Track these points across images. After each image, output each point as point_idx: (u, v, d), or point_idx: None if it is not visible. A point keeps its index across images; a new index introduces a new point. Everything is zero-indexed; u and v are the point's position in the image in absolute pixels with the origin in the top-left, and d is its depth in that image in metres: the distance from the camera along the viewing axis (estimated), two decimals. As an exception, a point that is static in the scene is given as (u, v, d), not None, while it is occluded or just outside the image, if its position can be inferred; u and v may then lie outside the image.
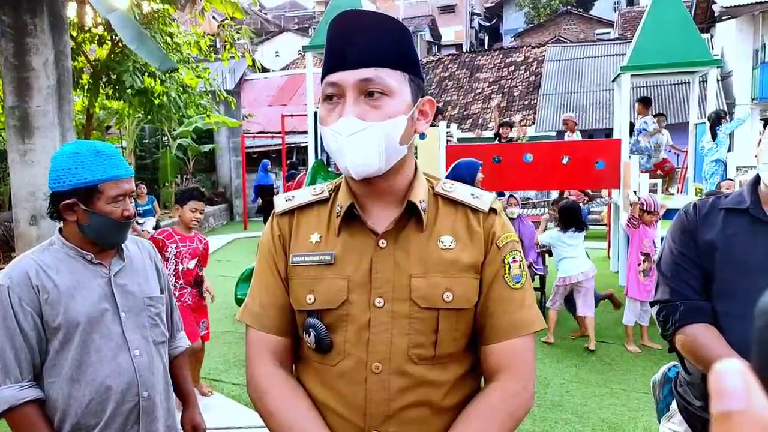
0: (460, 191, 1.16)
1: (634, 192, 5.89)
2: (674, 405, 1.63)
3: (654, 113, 8.75)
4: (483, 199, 1.15)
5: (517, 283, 1.12)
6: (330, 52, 1.06)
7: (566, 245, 5.00)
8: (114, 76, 8.56)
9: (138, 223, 9.03)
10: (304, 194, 1.21)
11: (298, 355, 1.19)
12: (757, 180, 1.49)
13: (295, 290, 1.14)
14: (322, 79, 1.08)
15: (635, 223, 4.93)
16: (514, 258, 1.13)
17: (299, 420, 1.07)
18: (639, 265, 4.85)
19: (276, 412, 1.09)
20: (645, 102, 8.61)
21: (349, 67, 1.03)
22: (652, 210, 4.87)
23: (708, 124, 6.86)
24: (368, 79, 1.02)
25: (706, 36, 14.81)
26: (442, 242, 1.10)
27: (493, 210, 1.15)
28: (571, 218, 5.01)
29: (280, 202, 1.21)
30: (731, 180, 6.07)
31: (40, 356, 1.56)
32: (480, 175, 4.02)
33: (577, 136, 9.61)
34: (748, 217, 1.45)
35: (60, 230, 1.68)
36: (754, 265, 1.40)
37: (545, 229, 5.79)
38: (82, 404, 1.56)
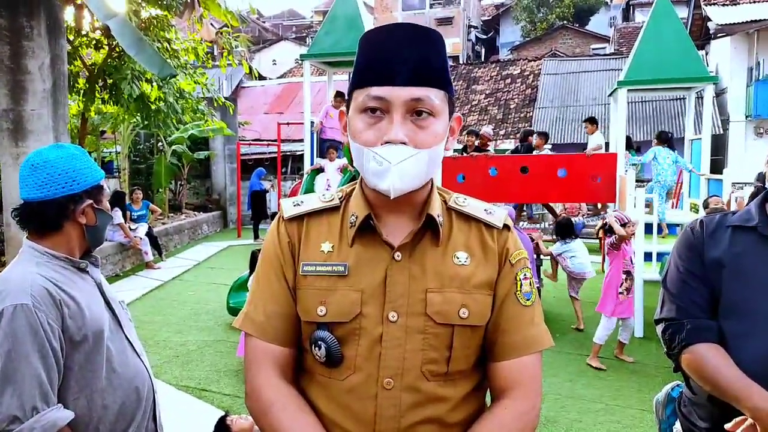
0: (473, 206, 1.16)
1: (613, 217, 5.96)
2: (678, 426, 1.59)
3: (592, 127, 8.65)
4: (496, 214, 1.15)
5: (528, 300, 1.13)
6: (375, 62, 1.02)
7: (573, 250, 5.92)
8: (110, 81, 8.51)
9: (131, 229, 8.95)
10: (313, 200, 1.17)
11: (301, 367, 1.15)
12: (765, 198, 1.47)
13: (304, 300, 1.10)
14: (357, 87, 1.04)
15: (617, 245, 4.95)
16: (525, 275, 1.13)
17: None
18: (621, 284, 4.84)
19: (282, 427, 1.04)
20: (594, 122, 8.65)
21: (399, 83, 1.00)
22: (626, 222, 4.89)
23: (656, 141, 7.35)
24: (419, 99, 1.00)
25: (701, 53, 14.95)
26: (458, 258, 1.09)
27: (506, 226, 1.15)
28: (566, 230, 6.05)
29: (288, 207, 1.16)
30: (718, 196, 6.11)
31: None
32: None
33: (491, 150, 9.38)
34: (756, 235, 1.43)
35: (34, 241, 1.55)
36: (761, 283, 1.38)
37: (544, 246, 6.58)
38: (113, 411, 1.54)
